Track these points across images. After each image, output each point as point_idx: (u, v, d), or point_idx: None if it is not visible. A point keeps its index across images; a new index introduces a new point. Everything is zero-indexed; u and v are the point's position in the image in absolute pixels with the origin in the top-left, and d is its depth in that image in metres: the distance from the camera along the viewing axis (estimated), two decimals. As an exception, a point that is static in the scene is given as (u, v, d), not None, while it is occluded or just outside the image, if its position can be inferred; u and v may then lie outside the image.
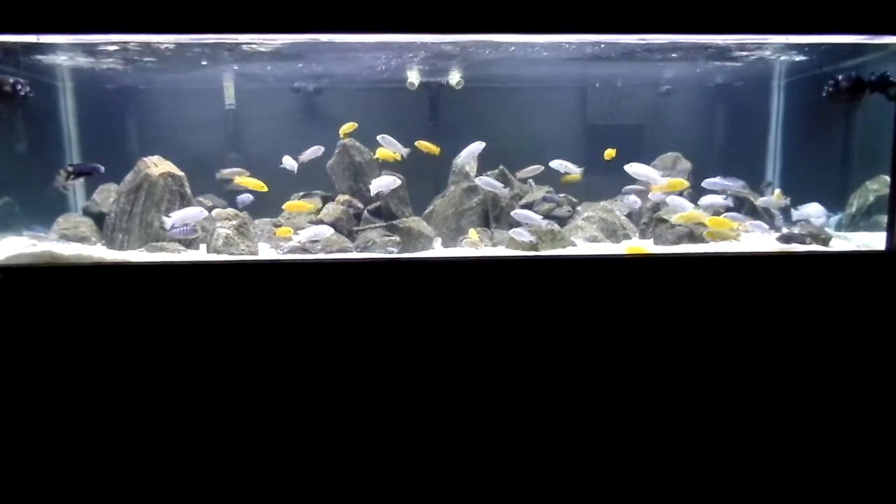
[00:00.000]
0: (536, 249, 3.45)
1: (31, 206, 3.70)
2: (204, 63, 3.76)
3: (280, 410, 2.71)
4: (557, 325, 2.75)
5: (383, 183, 3.79)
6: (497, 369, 2.75)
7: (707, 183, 3.81)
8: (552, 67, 4.03)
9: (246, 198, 3.97)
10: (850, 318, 2.80)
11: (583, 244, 3.69)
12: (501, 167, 4.07)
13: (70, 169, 3.61)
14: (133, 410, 2.68)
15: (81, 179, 4.07)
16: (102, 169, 3.60)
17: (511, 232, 3.55)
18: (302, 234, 3.51)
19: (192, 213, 3.42)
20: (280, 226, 3.82)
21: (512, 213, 3.71)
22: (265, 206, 3.95)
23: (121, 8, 2.52)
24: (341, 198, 3.97)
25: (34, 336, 2.63)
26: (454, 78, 4.16)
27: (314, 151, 3.93)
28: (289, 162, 3.89)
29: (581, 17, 2.61)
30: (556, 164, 3.98)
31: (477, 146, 3.87)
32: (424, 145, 3.89)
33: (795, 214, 3.86)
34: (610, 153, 3.91)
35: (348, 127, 3.92)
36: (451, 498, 2.76)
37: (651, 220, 3.88)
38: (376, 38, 3.05)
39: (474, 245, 3.62)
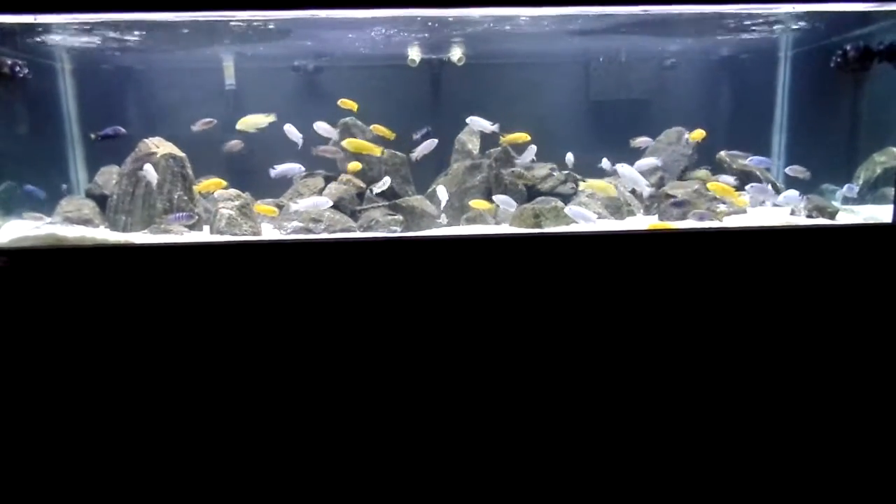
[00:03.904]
0: (540, 226, 3.44)
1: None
2: (204, 42, 3.72)
3: (284, 389, 2.73)
4: (564, 303, 2.74)
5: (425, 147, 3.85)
6: (504, 348, 2.76)
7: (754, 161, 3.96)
8: (555, 42, 3.98)
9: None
10: (857, 292, 2.78)
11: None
12: (504, 144, 4.04)
13: (96, 135, 3.69)
14: (138, 391, 2.69)
15: (83, 166, 4.11)
16: (124, 130, 3.65)
17: (496, 198, 3.58)
18: (301, 203, 3.52)
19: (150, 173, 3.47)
20: (283, 206, 3.81)
21: (567, 212, 3.50)
22: (268, 187, 3.94)
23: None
24: (344, 177, 3.96)
25: (40, 318, 2.64)
26: (455, 54, 4.12)
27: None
28: (292, 132, 3.88)
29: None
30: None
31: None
32: (379, 129, 3.88)
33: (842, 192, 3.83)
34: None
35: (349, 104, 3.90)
36: (457, 484, 2.78)
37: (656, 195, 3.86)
38: (375, 14, 3.01)
39: (479, 214, 3.62)
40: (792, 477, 2.83)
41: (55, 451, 2.71)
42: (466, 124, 4.10)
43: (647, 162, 4.00)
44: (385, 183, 3.81)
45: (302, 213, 3.53)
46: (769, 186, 3.83)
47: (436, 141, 3.90)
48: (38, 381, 2.67)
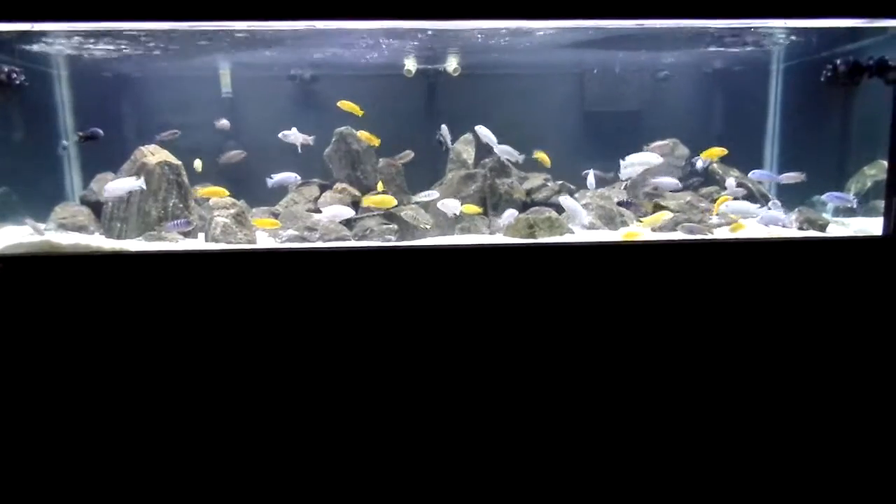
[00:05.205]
0: (534, 237, 3.45)
1: (29, 196, 3.70)
2: (201, 50, 3.74)
3: (278, 397, 2.73)
4: (556, 312, 2.76)
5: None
6: (497, 355, 2.77)
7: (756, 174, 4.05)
8: (550, 54, 4.01)
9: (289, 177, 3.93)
10: (849, 304, 2.81)
11: (580, 231, 3.70)
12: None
13: (82, 136, 3.78)
14: (132, 399, 2.69)
15: (78, 172, 4.16)
16: (102, 132, 3.74)
17: (503, 217, 3.60)
18: (325, 211, 3.61)
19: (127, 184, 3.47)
20: (278, 215, 3.82)
21: (561, 201, 3.68)
22: (263, 195, 3.95)
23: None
24: (339, 186, 3.97)
25: (34, 325, 2.63)
26: (451, 65, 4.14)
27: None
28: (293, 136, 3.90)
29: (579, 2, 2.60)
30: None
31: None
32: (365, 136, 3.95)
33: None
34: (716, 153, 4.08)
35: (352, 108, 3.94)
36: (453, 488, 2.79)
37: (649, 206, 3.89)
38: (372, 25, 3.03)
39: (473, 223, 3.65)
40: (783, 483, 2.85)
41: (49, 456, 2.70)
42: (464, 133, 4.14)
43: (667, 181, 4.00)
44: (408, 155, 3.98)
45: (308, 222, 3.56)
46: (734, 181, 3.92)
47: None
48: (33, 388, 2.66)
